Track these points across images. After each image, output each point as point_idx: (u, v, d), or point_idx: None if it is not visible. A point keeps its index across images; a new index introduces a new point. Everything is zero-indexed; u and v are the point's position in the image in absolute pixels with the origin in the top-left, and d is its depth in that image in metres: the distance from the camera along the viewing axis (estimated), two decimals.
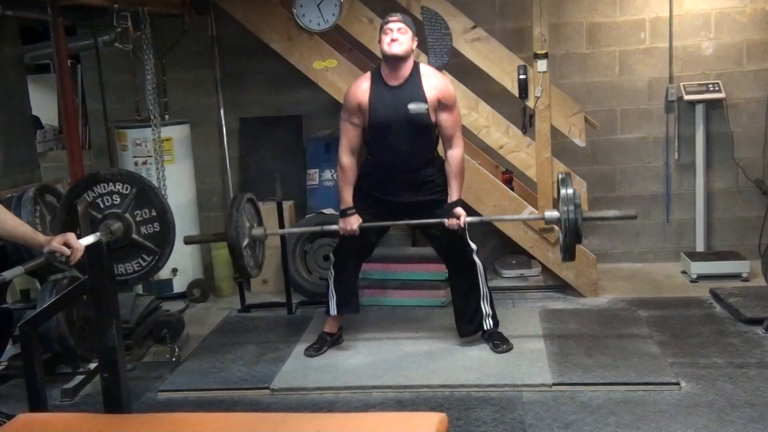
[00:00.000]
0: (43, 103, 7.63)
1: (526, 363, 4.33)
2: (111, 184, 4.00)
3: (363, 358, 4.53)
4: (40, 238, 3.02)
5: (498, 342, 4.54)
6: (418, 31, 5.42)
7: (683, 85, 5.93)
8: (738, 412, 3.68)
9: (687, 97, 5.89)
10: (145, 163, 5.70)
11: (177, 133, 5.91)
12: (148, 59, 5.44)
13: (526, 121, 5.59)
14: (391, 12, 4.40)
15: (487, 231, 5.78)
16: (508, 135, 5.53)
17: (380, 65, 4.38)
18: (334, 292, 4.65)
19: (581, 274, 5.43)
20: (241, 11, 5.60)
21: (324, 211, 5.76)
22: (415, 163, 4.39)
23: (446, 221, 4.34)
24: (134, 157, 5.74)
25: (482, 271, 4.57)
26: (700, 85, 5.91)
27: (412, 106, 4.25)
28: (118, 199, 4.00)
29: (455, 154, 4.34)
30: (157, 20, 5.74)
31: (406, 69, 4.28)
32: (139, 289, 5.58)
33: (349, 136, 4.37)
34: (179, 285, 5.92)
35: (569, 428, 3.63)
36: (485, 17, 5.93)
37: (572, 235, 4.12)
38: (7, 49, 5.42)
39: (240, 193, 4.74)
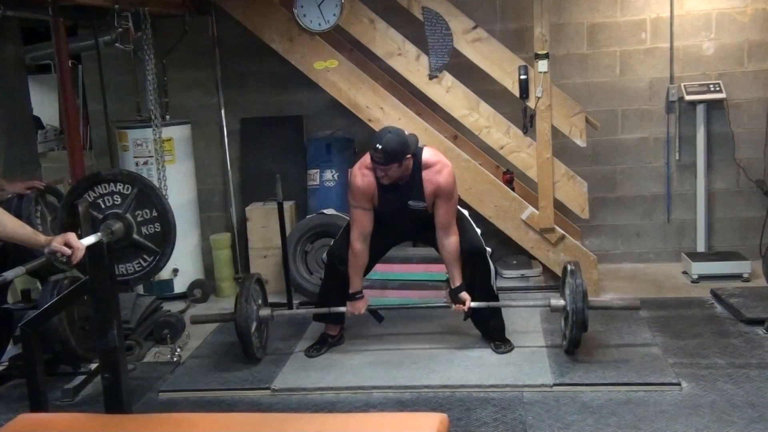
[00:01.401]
0: (44, 104, 7.64)
1: (527, 363, 4.33)
2: (112, 184, 4.01)
3: (364, 359, 4.53)
4: (41, 238, 3.00)
5: (499, 342, 4.54)
6: (419, 30, 5.46)
7: (684, 86, 5.92)
8: (739, 412, 3.67)
9: (688, 98, 5.89)
10: (146, 163, 5.70)
11: (178, 134, 5.91)
12: (148, 59, 5.44)
13: (526, 122, 5.58)
14: (380, 136, 4.14)
15: (488, 231, 5.77)
16: (508, 135, 5.53)
17: None
18: (317, 303, 4.74)
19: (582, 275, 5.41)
20: (242, 11, 5.60)
21: (325, 211, 5.76)
22: (419, 229, 4.53)
23: (453, 306, 4.43)
24: (135, 157, 5.74)
25: (494, 276, 4.60)
26: (701, 85, 5.90)
27: (412, 203, 4.32)
28: (119, 199, 4.00)
29: (452, 241, 4.36)
30: (158, 20, 5.74)
31: (405, 177, 4.26)
32: (140, 289, 5.58)
33: (361, 223, 4.36)
34: (180, 285, 5.92)
35: (570, 428, 3.63)
36: (486, 18, 5.93)
37: (578, 327, 4.21)
38: (8, 49, 5.43)
39: (248, 274, 4.81)
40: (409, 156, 4.19)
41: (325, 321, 4.73)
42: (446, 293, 5.22)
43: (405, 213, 4.35)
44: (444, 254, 4.40)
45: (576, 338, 4.25)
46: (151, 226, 4.04)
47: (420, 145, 4.33)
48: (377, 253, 4.60)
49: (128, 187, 4.01)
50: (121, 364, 3.29)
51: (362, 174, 4.31)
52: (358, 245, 4.37)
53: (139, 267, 4.10)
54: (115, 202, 4.01)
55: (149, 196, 4.03)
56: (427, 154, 4.31)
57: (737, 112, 5.99)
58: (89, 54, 6.32)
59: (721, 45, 5.96)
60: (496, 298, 4.59)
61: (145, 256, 4.08)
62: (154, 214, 4.03)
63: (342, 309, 4.52)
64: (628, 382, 4.03)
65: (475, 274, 4.47)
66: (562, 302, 4.36)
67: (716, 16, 5.93)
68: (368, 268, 4.63)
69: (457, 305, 4.41)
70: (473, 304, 4.40)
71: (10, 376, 4.49)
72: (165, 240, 4.05)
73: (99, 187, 4.01)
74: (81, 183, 4.11)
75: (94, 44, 5.84)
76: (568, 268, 4.37)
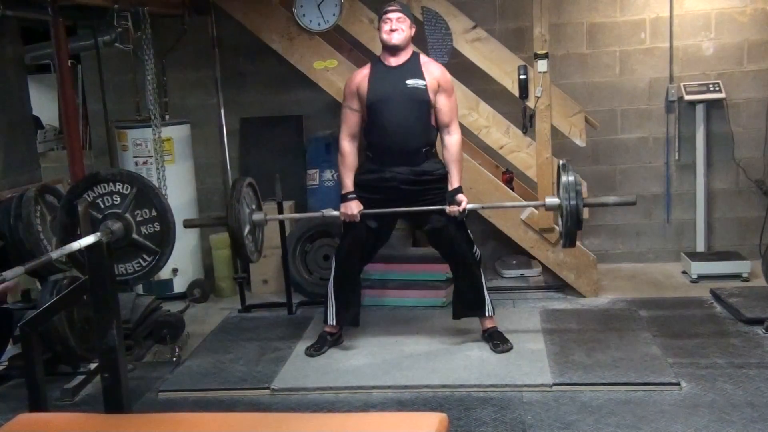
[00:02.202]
0: (44, 103, 7.64)
1: (527, 363, 4.33)
2: (111, 184, 4.00)
3: (363, 358, 4.53)
4: None
5: (498, 342, 4.54)
6: (419, 31, 5.45)
7: (684, 85, 5.93)
8: (738, 412, 3.67)
9: (687, 97, 5.89)
10: (145, 163, 5.70)
11: (177, 133, 5.91)
12: (148, 59, 5.44)
13: (526, 122, 5.58)
14: (389, 2, 4.50)
15: (488, 231, 5.79)
16: (508, 135, 5.53)
17: (380, 54, 4.53)
18: (333, 300, 4.65)
19: (582, 275, 5.43)
20: (242, 11, 5.60)
21: (324, 211, 5.74)
22: (413, 145, 4.41)
23: (447, 208, 4.38)
24: (134, 157, 5.74)
25: (481, 266, 4.60)
26: (700, 85, 5.91)
27: (411, 82, 4.37)
28: (119, 199, 3.99)
29: (453, 140, 4.41)
30: (158, 20, 5.73)
31: (406, 54, 4.45)
32: (140, 289, 5.58)
33: (348, 122, 4.49)
34: (179, 285, 5.92)
35: (569, 428, 3.63)
36: (485, 17, 5.94)
37: (573, 221, 4.13)
38: (7, 49, 5.42)
39: (240, 177, 4.74)
40: (414, 30, 4.45)
41: (337, 303, 4.64)
42: (446, 286, 5.23)
43: (402, 98, 4.36)
44: (445, 153, 4.44)
45: (571, 231, 4.17)
46: (151, 225, 4.03)
47: None
48: (377, 236, 4.58)
49: (127, 187, 4.00)
50: (121, 364, 3.29)
51: (357, 71, 4.55)
52: (346, 144, 4.49)
53: (138, 267, 4.09)
54: (115, 202, 4.00)
55: (148, 196, 4.02)
56: (425, 56, 4.54)
57: (737, 111, 5.99)
58: (89, 54, 6.32)
59: (720, 45, 5.96)
60: (478, 264, 4.56)
61: (144, 256, 4.07)
62: (154, 213, 4.02)
63: (335, 213, 4.49)
64: (628, 381, 4.03)
65: (455, 243, 4.49)
66: (556, 200, 4.29)
67: (716, 16, 5.93)
68: (369, 256, 4.65)
69: (453, 207, 4.36)
70: (469, 206, 4.39)
71: (10, 376, 4.49)
72: (164, 239, 4.05)
73: (98, 187, 4.00)
74: (80, 183, 4.10)
75: (94, 44, 5.84)
76: (560, 164, 4.28)
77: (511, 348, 4.51)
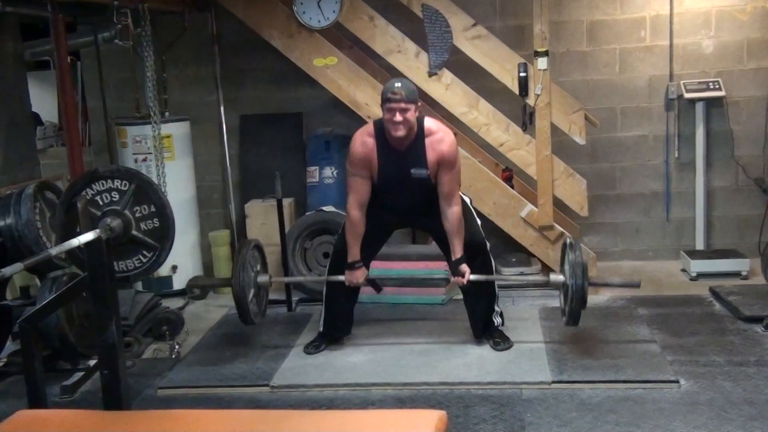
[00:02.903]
0: (43, 100, 7.64)
1: (526, 361, 4.33)
2: (109, 181, 4.01)
3: (362, 356, 4.53)
4: None
5: (498, 340, 4.54)
6: (419, 28, 5.45)
7: (683, 83, 5.92)
8: (737, 410, 3.68)
9: (687, 95, 5.89)
10: (145, 160, 5.70)
11: (177, 130, 5.90)
12: (148, 56, 5.44)
13: (526, 119, 5.58)
14: (394, 81, 4.22)
15: (487, 229, 5.76)
16: (508, 133, 5.53)
17: (383, 122, 4.26)
18: (324, 307, 4.67)
19: None
20: (242, 8, 5.60)
21: (324, 208, 5.76)
22: (419, 205, 4.43)
23: (452, 279, 4.41)
24: (134, 154, 5.74)
25: (494, 269, 4.59)
26: (700, 83, 5.90)
27: (414, 171, 4.26)
28: (117, 195, 4.00)
29: (454, 211, 4.31)
30: (158, 17, 5.73)
31: (410, 137, 4.23)
32: (139, 286, 5.58)
33: (358, 191, 4.33)
34: (179, 282, 5.91)
35: (569, 426, 3.63)
36: (485, 15, 5.93)
37: (578, 301, 4.18)
38: (7, 45, 5.42)
39: (245, 241, 4.78)
40: (420, 104, 4.23)
41: (326, 314, 4.66)
42: (446, 283, 5.23)
43: (407, 183, 4.29)
44: (446, 224, 4.34)
45: (576, 313, 4.21)
46: (150, 221, 4.04)
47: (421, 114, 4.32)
48: (376, 242, 4.58)
49: (126, 184, 4.01)
50: (120, 361, 3.30)
51: (363, 141, 4.29)
52: (356, 213, 4.35)
53: (139, 263, 4.10)
54: (113, 199, 4.01)
55: (147, 192, 4.03)
56: (430, 123, 4.31)
57: (736, 110, 5.99)
58: (88, 50, 6.31)
59: (720, 43, 5.96)
60: (495, 293, 4.57)
61: (144, 252, 4.08)
62: (153, 209, 4.03)
63: (341, 278, 4.49)
64: (627, 379, 4.03)
65: (474, 265, 4.44)
66: (561, 278, 4.32)
67: (716, 14, 5.93)
68: (368, 260, 4.62)
69: (456, 278, 4.38)
70: (472, 277, 4.37)
71: (9, 373, 4.49)
72: (164, 235, 4.06)
73: (96, 184, 4.01)
74: (78, 180, 4.11)
75: (94, 41, 5.83)
76: (567, 242, 4.33)
77: (511, 346, 4.51)
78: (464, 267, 4.35)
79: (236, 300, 4.43)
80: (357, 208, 4.34)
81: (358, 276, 4.45)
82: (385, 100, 4.13)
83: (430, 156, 4.23)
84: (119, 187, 4.02)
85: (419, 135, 4.23)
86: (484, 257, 4.51)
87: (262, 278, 4.60)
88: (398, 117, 4.09)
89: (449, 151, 4.24)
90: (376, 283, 4.69)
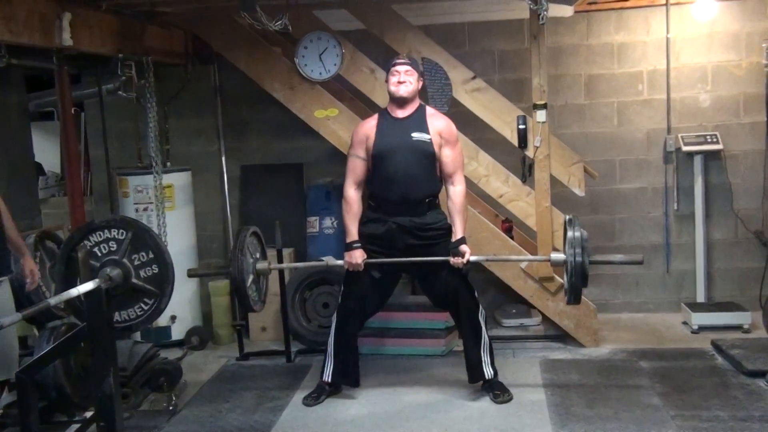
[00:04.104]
0: (46, 150, 7.69)
1: (527, 414, 4.28)
2: (106, 231, 4.03)
3: (362, 408, 4.49)
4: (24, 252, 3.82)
5: (498, 392, 4.50)
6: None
7: (681, 137, 5.97)
8: None
9: (685, 148, 5.93)
10: (146, 209, 5.72)
11: (178, 180, 5.93)
12: (150, 107, 5.50)
13: (525, 171, 5.61)
14: (398, 55, 4.61)
15: (487, 280, 5.77)
16: (507, 184, 5.56)
17: (387, 105, 4.58)
18: (332, 357, 4.63)
19: (582, 324, 5.40)
20: (244, 61, 5.67)
21: (324, 258, 5.74)
22: (416, 195, 4.42)
23: (451, 259, 4.39)
24: (135, 203, 5.76)
25: (484, 316, 4.57)
26: (698, 136, 5.95)
27: (416, 134, 4.42)
28: (115, 245, 4.01)
29: (457, 190, 4.45)
30: (161, 69, 5.81)
31: (412, 106, 4.51)
32: (138, 336, 5.54)
33: (355, 170, 4.51)
34: (177, 332, 5.88)
35: None
36: (485, 68, 6.02)
37: (578, 278, 4.11)
38: (12, 96, 5.49)
39: (244, 227, 4.77)
40: (421, 83, 4.52)
41: (335, 361, 4.61)
42: (445, 335, 5.20)
43: (408, 149, 4.40)
44: (449, 204, 4.47)
45: (576, 287, 4.14)
46: (149, 268, 4.04)
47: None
48: (381, 292, 4.60)
49: (122, 232, 4.02)
50: (117, 413, 3.27)
51: (364, 121, 4.63)
52: (352, 192, 4.50)
53: (140, 311, 4.09)
54: (111, 249, 4.02)
55: (144, 239, 4.04)
56: (430, 108, 4.59)
57: (734, 163, 6.03)
58: (92, 101, 6.37)
59: (717, 97, 6.03)
60: (482, 333, 4.53)
61: (145, 300, 4.07)
62: (151, 255, 4.03)
63: (339, 262, 4.50)
64: None
65: (461, 308, 4.50)
66: (562, 256, 4.27)
67: (712, 69, 6.01)
68: (374, 311, 4.64)
69: (456, 258, 4.37)
70: (472, 258, 4.40)
71: (5, 425, 4.43)
72: (164, 281, 4.05)
73: (94, 235, 4.03)
74: (75, 234, 4.13)
75: (97, 92, 5.90)
76: (567, 219, 4.28)
77: (512, 398, 4.47)
78: (464, 247, 4.39)
79: (235, 286, 4.36)
80: (352, 186, 4.52)
81: (357, 256, 4.44)
82: (390, 66, 4.47)
83: (432, 127, 4.45)
84: (116, 236, 4.03)
85: (421, 109, 4.52)
86: (471, 301, 4.53)
87: (261, 265, 4.55)
88: (402, 76, 4.41)
89: (449, 127, 4.52)
90: (374, 267, 4.52)
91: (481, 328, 4.54)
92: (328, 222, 6.07)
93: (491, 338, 4.63)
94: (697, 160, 5.97)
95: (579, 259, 4.07)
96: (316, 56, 5.51)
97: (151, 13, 5.28)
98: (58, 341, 3.91)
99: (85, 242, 4.00)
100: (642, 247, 6.19)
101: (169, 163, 6.00)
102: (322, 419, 4.36)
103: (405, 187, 4.41)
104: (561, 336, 5.53)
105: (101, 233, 4.03)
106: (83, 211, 4.94)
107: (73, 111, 5.08)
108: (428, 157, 4.41)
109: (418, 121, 4.46)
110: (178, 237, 5.74)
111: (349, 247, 4.46)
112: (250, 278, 4.43)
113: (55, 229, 5.31)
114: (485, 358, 4.55)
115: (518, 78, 6.09)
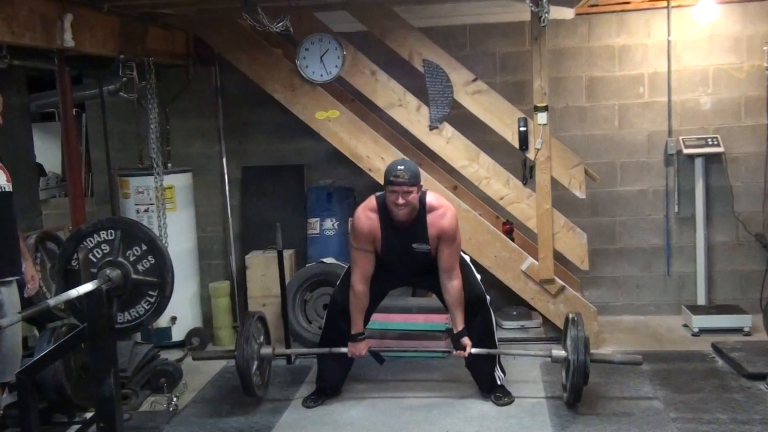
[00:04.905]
0: (47, 151, 7.68)
1: (527, 416, 4.28)
2: (95, 235, 4.04)
3: (362, 410, 4.49)
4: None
5: (499, 394, 4.50)
6: (420, 83, 5.52)
7: (682, 139, 5.97)
8: None
9: (686, 151, 5.93)
10: (146, 210, 5.72)
11: (179, 182, 5.93)
12: (152, 108, 5.50)
13: (526, 173, 5.61)
14: (397, 164, 4.29)
15: (488, 282, 5.75)
16: (508, 186, 5.56)
17: (384, 198, 4.32)
18: (318, 362, 4.70)
19: None
20: (245, 63, 5.67)
21: (324, 260, 5.75)
22: (421, 271, 4.48)
23: (453, 352, 4.42)
24: (136, 204, 5.76)
25: (494, 324, 4.59)
26: (699, 139, 5.95)
27: (416, 246, 4.33)
28: (107, 247, 4.02)
29: (454, 284, 4.35)
30: (162, 70, 5.81)
31: (412, 215, 4.30)
32: (138, 337, 5.54)
33: (362, 265, 4.38)
34: (178, 333, 5.88)
35: None
36: (486, 70, 6.02)
37: (580, 377, 4.17)
38: (13, 97, 5.49)
39: (248, 312, 4.80)
40: (421, 185, 4.28)
41: (319, 369, 4.66)
42: (446, 336, 5.20)
43: (409, 256, 4.35)
44: (447, 298, 4.37)
45: (578, 389, 4.20)
46: (146, 260, 4.05)
47: (422, 189, 4.36)
48: (377, 296, 4.58)
49: (111, 232, 4.04)
50: (117, 414, 3.27)
51: (366, 216, 4.35)
52: (360, 287, 4.38)
53: (148, 305, 4.11)
54: (105, 251, 4.03)
55: (134, 233, 4.05)
56: (431, 198, 4.36)
57: (735, 165, 6.03)
58: (93, 102, 6.38)
59: (718, 100, 6.03)
60: (495, 347, 4.55)
61: (150, 292, 4.09)
62: (144, 247, 4.04)
63: (344, 350, 4.49)
64: None
65: (475, 321, 4.45)
66: (563, 353, 4.32)
67: (713, 72, 6.01)
68: (368, 312, 4.61)
69: (458, 351, 4.37)
70: (474, 351, 4.37)
71: (5, 426, 4.43)
72: (163, 267, 4.06)
73: (84, 242, 4.04)
74: (67, 245, 4.15)
75: (99, 93, 5.90)
76: (570, 317, 4.35)
77: (513, 401, 4.47)
78: (465, 340, 4.37)
79: (240, 373, 4.41)
80: (361, 282, 4.38)
81: (361, 348, 4.46)
82: (388, 182, 4.20)
83: (432, 231, 4.29)
84: (106, 237, 4.04)
85: (421, 211, 4.30)
86: (485, 314, 4.51)
87: (265, 350, 4.59)
88: (401, 200, 4.17)
89: (449, 227, 4.30)
90: (378, 356, 4.69)
91: (493, 335, 4.54)
92: (328, 223, 6.07)
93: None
94: (698, 163, 5.97)
95: (582, 357, 4.15)
96: (317, 58, 5.51)
97: (152, 14, 5.28)
98: (58, 342, 3.92)
99: (78, 252, 4.01)
100: (643, 250, 6.19)
101: (170, 165, 6.00)
102: (322, 421, 4.36)
103: (408, 275, 4.58)
104: (561, 338, 5.51)
105: (91, 239, 4.04)
106: (84, 213, 4.94)
107: (74, 112, 5.08)
108: (429, 260, 4.38)
109: (419, 228, 4.31)
110: (179, 238, 5.74)
111: (354, 338, 4.46)
112: (255, 364, 4.49)
113: (55, 230, 5.32)
114: (496, 366, 4.57)
115: (519, 80, 6.09)
